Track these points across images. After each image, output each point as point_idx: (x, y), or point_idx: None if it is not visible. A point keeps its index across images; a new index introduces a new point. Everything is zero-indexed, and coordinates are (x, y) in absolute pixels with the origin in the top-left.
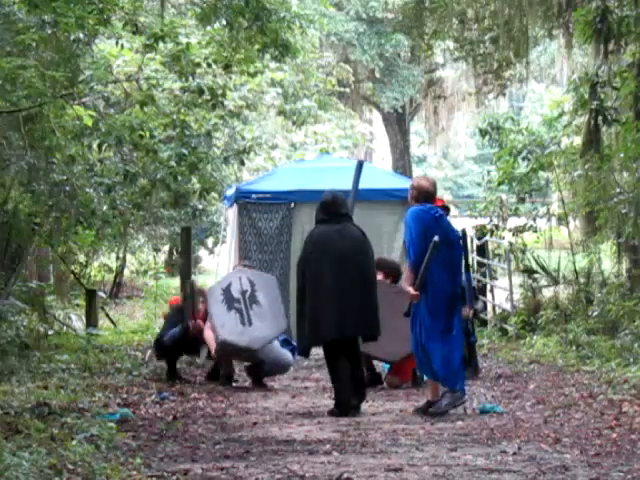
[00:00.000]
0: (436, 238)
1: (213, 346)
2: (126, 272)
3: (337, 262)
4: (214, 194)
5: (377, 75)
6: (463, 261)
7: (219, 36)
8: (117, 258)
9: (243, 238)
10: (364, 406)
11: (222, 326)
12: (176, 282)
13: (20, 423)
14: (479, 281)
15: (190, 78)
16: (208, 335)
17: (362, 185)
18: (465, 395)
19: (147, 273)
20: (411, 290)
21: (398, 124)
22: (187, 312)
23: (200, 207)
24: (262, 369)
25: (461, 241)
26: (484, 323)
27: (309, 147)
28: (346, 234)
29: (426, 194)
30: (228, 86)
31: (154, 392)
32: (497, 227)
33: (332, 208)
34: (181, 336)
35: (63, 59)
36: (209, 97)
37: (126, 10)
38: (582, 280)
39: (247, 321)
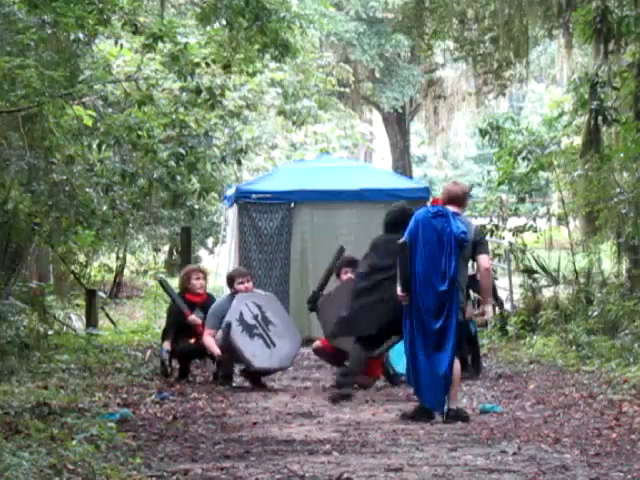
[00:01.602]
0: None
1: (216, 350)
2: (126, 272)
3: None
4: (214, 194)
5: (377, 75)
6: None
7: (219, 36)
8: (117, 258)
9: (243, 238)
10: (364, 406)
11: (254, 355)
12: (176, 282)
13: (20, 423)
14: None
15: (189, 78)
16: (209, 341)
17: (362, 185)
18: (432, 417)
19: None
20: (399, 291)
21: (398, 124)
22: (180, 308)
23: (197, 207)
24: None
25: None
26: (484, 323)
27: (309, 147)
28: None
29: (448, 196)
30: (227, 86)
31: (154, 392)
32: (497, 227)
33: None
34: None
35: (63, 59)
36: (208, 97)
37: (126, 10)
38: (582, 280)
39: (270, 343)
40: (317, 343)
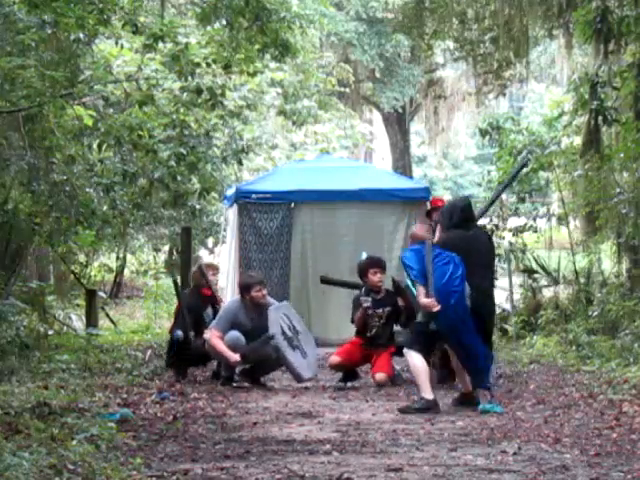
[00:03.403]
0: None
1: (232, 355)
2: (126, 272)
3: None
4: (214, 194)
5: (377, 75)
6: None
7: (219, 36)
8: (117, 258)
9: (243, 238)
10: (364, 406)
11: (301, 367)
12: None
13: (20, 423)
14: None
15: (190, 78)
16: (220, 345)
17: (362, 185)
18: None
19: (147, 273)
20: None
21: (398, 124)
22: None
23: (198, 207)
24: (257, 370)
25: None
26: None
27: (309, 147)
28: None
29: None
30: (227, 86)
31: (154, 392)
32: (497, 227)
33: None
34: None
35: (63, 59)
36: (208, 97)
37: (126, 10)
38: (582, 280)
39: (304, 353)
40: (334, 359)
